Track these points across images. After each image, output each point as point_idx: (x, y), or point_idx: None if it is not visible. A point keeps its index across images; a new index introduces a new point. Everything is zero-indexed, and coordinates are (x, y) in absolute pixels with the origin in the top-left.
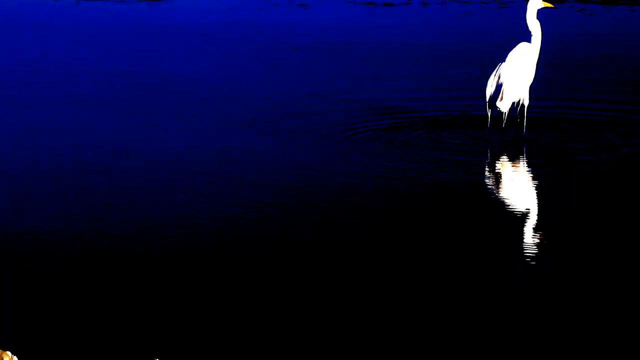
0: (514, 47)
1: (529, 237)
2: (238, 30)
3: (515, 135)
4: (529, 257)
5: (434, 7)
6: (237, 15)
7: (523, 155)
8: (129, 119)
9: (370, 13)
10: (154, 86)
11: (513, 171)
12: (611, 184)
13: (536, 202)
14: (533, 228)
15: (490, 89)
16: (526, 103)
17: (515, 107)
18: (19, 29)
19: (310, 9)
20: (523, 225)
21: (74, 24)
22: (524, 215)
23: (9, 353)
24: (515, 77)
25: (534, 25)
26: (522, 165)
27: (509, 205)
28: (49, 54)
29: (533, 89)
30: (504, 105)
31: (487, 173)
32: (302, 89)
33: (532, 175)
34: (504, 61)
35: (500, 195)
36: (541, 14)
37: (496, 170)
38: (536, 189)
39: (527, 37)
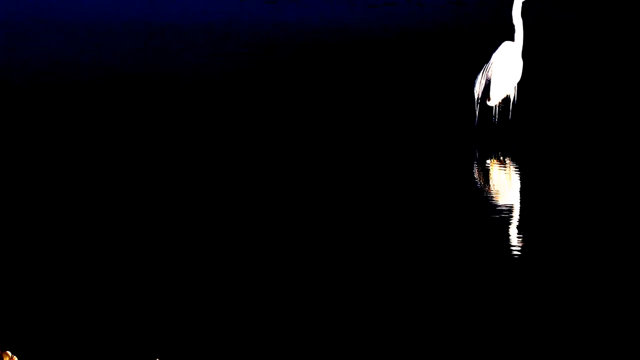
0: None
1: (515, 232)
2: None
3: (503, 124)
4: (515, 255)
5: None
6: None
7: (512, 146)
8: None
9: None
10: None
11: (503, 165)
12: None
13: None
14: (520, 222)
15: (478, 89)
16: (512, 97)
17: (503, 103)
18: None
19: None
20: (511, 220)
21: None
22: (511, 210)
23: (9, 353)
24: (501, 77)
25: (517, 22)
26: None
27: (494, 199)
28: None
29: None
30: (492, 103)
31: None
32: None
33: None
34: (489, 61)
35: (488, 187)
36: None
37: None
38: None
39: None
